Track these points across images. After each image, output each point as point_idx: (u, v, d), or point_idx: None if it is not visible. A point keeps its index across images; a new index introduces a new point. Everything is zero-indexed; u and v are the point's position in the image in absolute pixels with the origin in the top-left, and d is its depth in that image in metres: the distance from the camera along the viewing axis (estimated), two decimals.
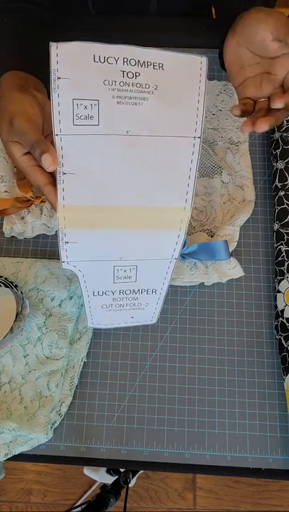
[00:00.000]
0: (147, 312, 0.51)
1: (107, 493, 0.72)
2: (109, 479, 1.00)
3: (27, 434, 0.48)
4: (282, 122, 0.59)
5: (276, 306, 0.53)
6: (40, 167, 0.42)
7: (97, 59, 0.36)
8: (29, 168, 0.44)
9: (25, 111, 0.44)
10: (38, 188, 0.43)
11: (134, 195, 0.41)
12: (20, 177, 0.57)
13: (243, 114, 0.48)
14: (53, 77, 0.36)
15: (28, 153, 0.43)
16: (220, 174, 0.60)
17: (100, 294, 0.47)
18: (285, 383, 0.50)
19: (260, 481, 1.18)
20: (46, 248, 0.58)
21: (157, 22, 0.70)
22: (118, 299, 0.49)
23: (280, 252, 0.55)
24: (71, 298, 0.54)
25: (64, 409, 0.50)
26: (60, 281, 0.54)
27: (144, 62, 0.37)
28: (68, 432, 0.50)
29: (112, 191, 0.40)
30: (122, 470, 0.84)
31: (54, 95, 0.36)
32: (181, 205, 0.42)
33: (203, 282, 0.56)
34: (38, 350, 0.52)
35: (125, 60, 0.37)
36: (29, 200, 0.55)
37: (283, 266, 0.54)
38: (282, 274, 0.54)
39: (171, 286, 0.54)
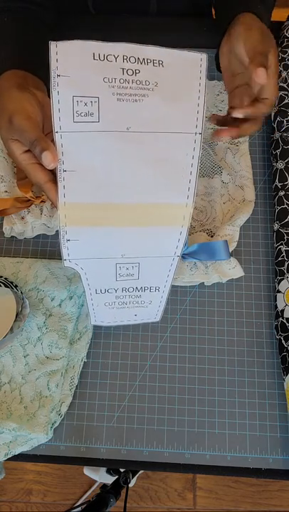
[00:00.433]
0: (151, 310, 0.51)
1: (107, 493, 0.72)
2: (109, 479, 1.00)
3: (27, 434, 0.48)
4: (283, 122, 0.59)
5: (276, 306, 0.53)
6: (41, 165, 0.42)
7: (96, 57, 0.36)
8: (29, 166, 0.44)
9: (25, 109, 0.44)
10: (38, 186, 0.43)
11: (135, 192, 0.41)
12: (21, 177, 0.57)
13: (219, 123, 0.51)
14: (52, 74, 0.36)
15: (29, 151, 0.43)
16: (220, 174, 0.60)
17: (103, 291, 0.47)
18: (285, 383, 0.50)
19: (260, 481, 1.18)
20: (46, 248, 0.58)
21: (157, 22, 0.70)
22: (121, 297, 0.49)
23: (280, 252, 0.55)
24: (71, 298, 0.54)
25: (64, 409, 0.50)
26: (60, 281, 0.54)
27: (143, 59, 0.37)
28: (68, 432, 0.50)
29: (113, 188, 0.40)
30: (122, 470, 0.84)
31: (54, 93, 0.36)
32: (183, 202, 0.42)
33: (203, 282, 0.56)
34: (38, 350, 0.52)
35: (125, 57, 0.37)
36: (29, 200, 0.55)
37: (283, 266, 0.54)
38: (282, 274, 0.54)
39: (171, 286, 0.54)
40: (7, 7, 0.56)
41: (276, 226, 0.56)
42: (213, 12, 0.76)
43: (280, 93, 0.61)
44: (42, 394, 0.50)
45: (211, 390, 0.52)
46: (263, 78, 0.44)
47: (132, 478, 0.80)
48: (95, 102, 0.37)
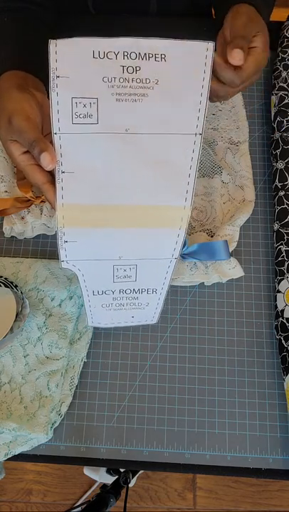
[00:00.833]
0: (148, 312, 0.51)
1: (107, 493, 0.72)
2: (109, 479, 1.00)
3: (27, 434, 0.48)
4: (283, 122, 0.59)
5: (276, 306, 0.53)
6: (39, 166, 0.42)
7: (96, 55, 0.36)
8: (28, 167, 0.44)
9: (24, 110, 0.44)
10: (37, 187, 0.43)
11: (133, 194, 0.41)
12: (20, 177, 0.57)
13: None
14: (52, 75, 0.36)
15: (27, 152, 0.43)
16: (220, 174, 0.60)
17: (100, 293, 0.47)
18: (285, 383, 0.50)
19: (260, 481, 1.18)
20: (46, 248, 0.58)
21: (157, 22, 0.70)
22: (118, 298, 0.49)
23: (280, 252, 0.55)
24: (71, 298, 0.54)
25: (64, 409, 0.50)
26: (60, 281, 0.54)
27: (145, 54, 0.36)
28: (68, 432, 0.50)
29: (112, 190, 0.40)
30: (122, 470, 0.84)
31: (53, 94, 0.36)
32: (181, 204, 0.42)
33: (203, 282, 0.56)
34: (38, 350, 0.52)
35: (125, 53, 0.36)
36: (29, 200, 0.55)
37: (283, 266, 0.54)
38: (282, 274, 0.54)
39: (171, 286, 0.54)
40: (7, 7, 0.56)
41: (276, 226, 0.56)
42: (213, 12, 0.76)
43: (280, 93, 0.61)
44: (42, 394, 0.50)
45: (211, 390, 0.52)
46: (237, 59, 0.43)
47: (132, 478, 0.80)
48: (94, 103, 0.37)
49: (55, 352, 0.51)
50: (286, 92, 0.61)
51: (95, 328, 0.54)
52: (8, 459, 0.49)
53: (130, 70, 0.37)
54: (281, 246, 0.55)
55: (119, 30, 0.68)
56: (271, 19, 0.59)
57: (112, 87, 0.37)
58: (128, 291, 0.48)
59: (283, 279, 0.53)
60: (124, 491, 0.75)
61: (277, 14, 0.66)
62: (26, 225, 0.57)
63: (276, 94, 0.62)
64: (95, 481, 1.17)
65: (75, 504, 1.17)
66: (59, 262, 0.55)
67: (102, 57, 0.36)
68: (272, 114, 0.62)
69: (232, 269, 0.54)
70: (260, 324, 0.54)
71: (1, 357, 0.52)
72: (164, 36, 0.36)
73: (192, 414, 0.51)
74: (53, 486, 1.19)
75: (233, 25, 0.48)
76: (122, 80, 0.37)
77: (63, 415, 0.50)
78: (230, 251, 0.54)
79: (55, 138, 0.38)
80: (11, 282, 0.53)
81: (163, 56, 0.37)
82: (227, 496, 1.17)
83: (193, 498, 1.17)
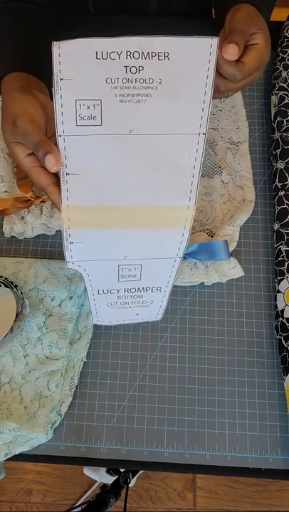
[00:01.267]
0: (152, 309, 0.51)
1: (107, 493, 0.72)
2: (109, 479, 1.00)
3: (27, 434, 0.48)
4: (283, 122, 0.59)
5: (276, 306, 0.53)
6: (44, 168, 0.42)
7: (99, 55, 0.36)
8: (33, 169, 0.44)
9: (28, 112, 0.44)
10: (41, 188, 0.43)
11: (137, 195, 0.41)
12: (21, 177, 0.57)
13: None
14: (55, 78, 0.36)
15: (32, 154, 0.44)
16: (220, 174, 0.60)
17: (105, 292, 0.48)
18: (285, 383, 0.50)
19: (260, 481, 1.18)
20: (46, 248, 0.58)
21: (157, 22, 0.70)
22: (123, 297, 0.49)
23: (280, 252, 0.55)
24: (71, 298, 0.54)
25: (64, 409, 0.50)
26: (60, 281, 0.54)
27: (148, 53, 0.36)
28: (68, 432, 0.50)
29: (116, 191, 0.40)
30: (122, 470, 0.84)
31: (57, 96, 0.36)
32: (185, 204, 0.42)
33: (203, 282, 0.56)
34: (38, 350, 0.52)
35: (128, 53, 0.36)
36: (29, 200, 0.55)
37: (283, 266, 0.54)
38: (282, 274, 0.54)
39: (172, 286, 0.54)
40: (7, 7, 0.56)
41: (276, 226, 0.56)
42: (213, 12, 0.76)
43: (280, 93, 0.61)
44: (42, 394, 0.50)
45: (211, 390, 0.52)
46: (231, 53, 0.43)
47: (132, 478, 0.80)
48: (98, 104, 0.37)
49: (55, 352, 0.51)
50: (286, 92, 0.61)
51: (95, 328, 0.54)
52: (8, 459, 0.49)
53: (133, 70, 0.36)
54: (281, 246, 0.55)
55: (119, 30, 0.68)
56: (271, 19, 0.59)
57: (116, 88, 0.37)
58: (133, 290, 0.48)
59: (283, 279, 0.53)
60: (124, 491, 0.75)
61: (277, 14, 0.66)
62: (26, 225, 0.57)
63: (276, 94, 0.62)
64: (95, 481, 1.17)
65: (75, 504, 1.17)
66: (61, 260, 0.56)
67: (105, 57, 0.36)
68: (272, 114, 0.62)
69: (232, 269, 0.54)
70: (260, 324, 0.54)
71: (1, 357, 0.52)
72: None
73: (192, 414, 0.51)
74: (53, 486, 1.19)
75: (231, 21, 0.48)
76: (125, 80, 0.36)
77: (63, 415, 0.50)
78: (230, 251, 0.54)
79: (60, 140, 0.38)
80: (11, 282, 0.53)
81: (166, 55, 0.36)
82: (227, 495, 1.17)
83: (193, 498, 1.17)
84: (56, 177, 0.42)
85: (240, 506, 1.16)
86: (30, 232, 0.58)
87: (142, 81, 0.37)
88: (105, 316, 0.51)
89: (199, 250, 0.53)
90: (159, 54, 0.36)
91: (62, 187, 0.39)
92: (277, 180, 0.58)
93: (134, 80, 0.36)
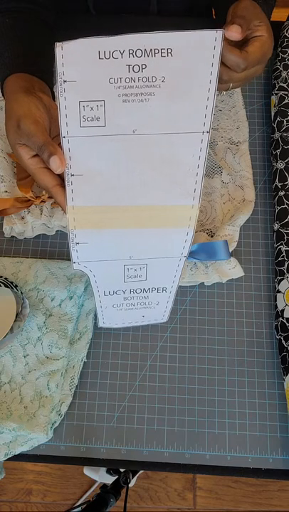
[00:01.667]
0: (158, 311, 0.52)
1: (107, 493, 0.72)
2: (109, 479, 1.00)
3: (27, 434, 0.48)
4: (283, 122, 0.59)
5: (276, 306, 0.53)
6: (49, 169, 0.42)
7: (102, 55, 0.35)
8: (37, 170, 0.44)
9: (32, 113, 0.44)
10: (46, 190, 0.43)
11: (142, 195, 0.41)
12: (21, 177, 0.57)
13: None
14: (59, 80, 0.35)
15: (36, 155, 0.44)
16: (220, 174, 0.60)
17: (111, 293, 0.48)
18: (285, 383, 0.50)
19: (260, 481, 1.18)
20: (46, 248, 0.58)
21: (157, 22, 0.70)
22: (129, 298, 0.49)
23: (280, 252, 0.55)
24: (71, 298, 0.54)
25: (64, 409, 0.50)
26: (60, 281, 0.54)
27: (150, 50, 0.36)
28: (68, 431, 0.50)
29: (120, 191, 0.40)
30: (122, 470, 0.84)
31: (61, 98, 0.36)
32: (190, 203, 0.42)
33: (203, 282, 0.56)
34: (38, 350, 0.52)
35: (131, 51, 0.35)
36: (29, 200, 0.55)
37: (283, 266, 0.54)
38: (282, 274, 0.54)
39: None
40: (8, 8, 0.56)
41: (276, 226, 0.56)
42: (214, 12, 0.76)
43: (280, 93, 0.61)
44: (42, 394, 0.50)
45: (211, 390, 0.52)
46: (234, 32, 0.43)
47: (132, 478, 0.80)
48: (101, 105, 0.37)
49: (55, 352, 0.51)
50: (286, 92, 0.61)
51: (95, 328, 0.54)
52: (8, 459, 0.49)
53: (136, 68, 0.36)
54: (281, 246, 0.55)
55: (120, 30, 0.68)
56: (271, 19, 0.59)
57: (119, 87, 0.36)
58: (138, 291, 0.48)
59: (283, 279, 0.53)
60: (124, 491, 0.75)
61: (277, 14, 0.66)
62: (26, 225, 0.57)
63: (276, 94, 0.62)
64: (95, 481, 1.17)
65: (75, 504, 1.17)
66: (59, 262, 0.56)
67: (108, 57, 0.35)
68: (272, 114, 0.62)
69: (232, 269, 0.54)
70: (260, 324, 0.54)
71: (1, 357, 0.52)
72: None
73: (192, 414, 0.51)
74: (53, 486, 1.19)
75: (234, 9, 0.47)
76: (128, 79, 0.36)
77: (63, 415, 0.50)
78: (231, 251, 0.54)
79: (64, 141, 0.38)
80: (11, 282, 0.53)
81: (169, 51, 0.36)
82: (227, 495, 1.17)
83: (193, 498, 1.17)
84: (61, 178, 0.42)
85: (240, 506, 1.16)
86: (30, 232, 0.58)
87: (144, 80, 0.36)
88: (112, 319, 0.52)
89: (199, 250, 0.53)
90: (162, 50, 0.36)
91: (67, 188, 0.39)
92: (277, 180, 0.58)
93: (137, 79, 0.36)
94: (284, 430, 0.50)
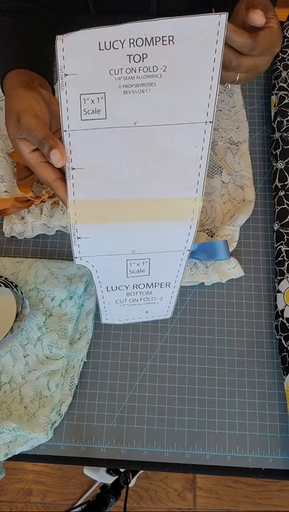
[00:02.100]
0: (162, 306, 0.51)
1: (107, 493, 0.72)
2: (109, 479, 1.00)
3: (27, 434, 0.48)
4: (283, 122, 0.59)
5: (276, 306, 0.53)
6: (49, 163, 0.42)
7: (102, 46, 0.35)
8: (38, 164, 0.43)
9: (32, 107, 0.44)
10: (47, 184, 0.43)
11: (144, 188, 0.40)
12: (21, 177, 0.57)
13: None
14: (60, 74, 0.35)
15: (37, 149, 0.43)
16: (220, 174, 0.60)
17: (114, 288, 0.47)
18: (285, 383, 0.50)
19: (260, 481, 1.18)
20: (46, 248, 0.58)
21: None
22: (132, 294, 0.49)
23: (280, 252, 0.55)
24: (71, 298, 0.54)
25: (64, 409, 0.50)
26: (60, 281, 0.54)
27: (151, 38, 0.34)
28: (68, 431, 0.50)
29: (122, 185, 0.40)
30: (122, 470, 0.84)
31: (62, 92, 0.36)
32: (193, 196, 0.41)
33: (203, 282, 0.56)
34: (38, 350, 0.52)
35: (131, 41, 0.34)
36: (29, 200, 0.55)
37: (283, 266, 0.54)
38: (282, 274, 0.54)
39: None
40: (8, 7, 0.56)
41: (276, 226, 0.56)
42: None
43: (280, 93, 0.61)
44: (42, 394, 0.50)
45: (211, 390, 0.52)
46: (261, 16, 0.42)
47: (132, 478, 0.80)
48: (102, 98, 0.36)
49: (55, 352, 0.51)
50: (286, 92, 0.61)
51: (95, 328, 0.54)
52: (8, 459, 0.49)
53: (137, 58, 0.35)
54: (281, 246, 0.55)
55: None
56: None
57: (119, 79, 0.36)
58: (141, 286, 0.48)
59: (283, 279, 0.53)
60: (124, 491, 0.75)
61: (278, 14, 0.66)
62: (26, 225, 0.57)
63: (276, 94, 0.62)
64: (95, 481, 1.17)
65: (75, 504, 1.17)
66: (60, 262, 0.56)
67: (108, 48, 0.35)
68: (272, 114, 0.62)
69: (232, 269, 0.54)
70: (260, 324, 0.54)
71: (1, 357, 0.52)
72: None
73: (192, 414, 0.51)
74: (53, 486, 1.19)
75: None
76: (128, 70, 0.35)
77: (63, 415, 0.50)
78: (231, 251, 0.54)
79: (65, 135, 0.37)
80: (11, 282, 0.53)
81: (171, 38, 0.35)
82: (227, 495, 1.17)
83: (193, 498, 1.17)
84: (62, 172, 0.42)
85: (240, 506, 1.16)
86: (30, 232, 0.58)
87: (145, 69, 0.35)
88: (114, 315, 0.51)
89: (199, 250, 0.53)
90: (164, 38, 0.35)
91: (68, 182, 0.39)
92: (277, 180, 0.58)
93: (137, 69, 0.35)
94: (284, 430, 0.50)
